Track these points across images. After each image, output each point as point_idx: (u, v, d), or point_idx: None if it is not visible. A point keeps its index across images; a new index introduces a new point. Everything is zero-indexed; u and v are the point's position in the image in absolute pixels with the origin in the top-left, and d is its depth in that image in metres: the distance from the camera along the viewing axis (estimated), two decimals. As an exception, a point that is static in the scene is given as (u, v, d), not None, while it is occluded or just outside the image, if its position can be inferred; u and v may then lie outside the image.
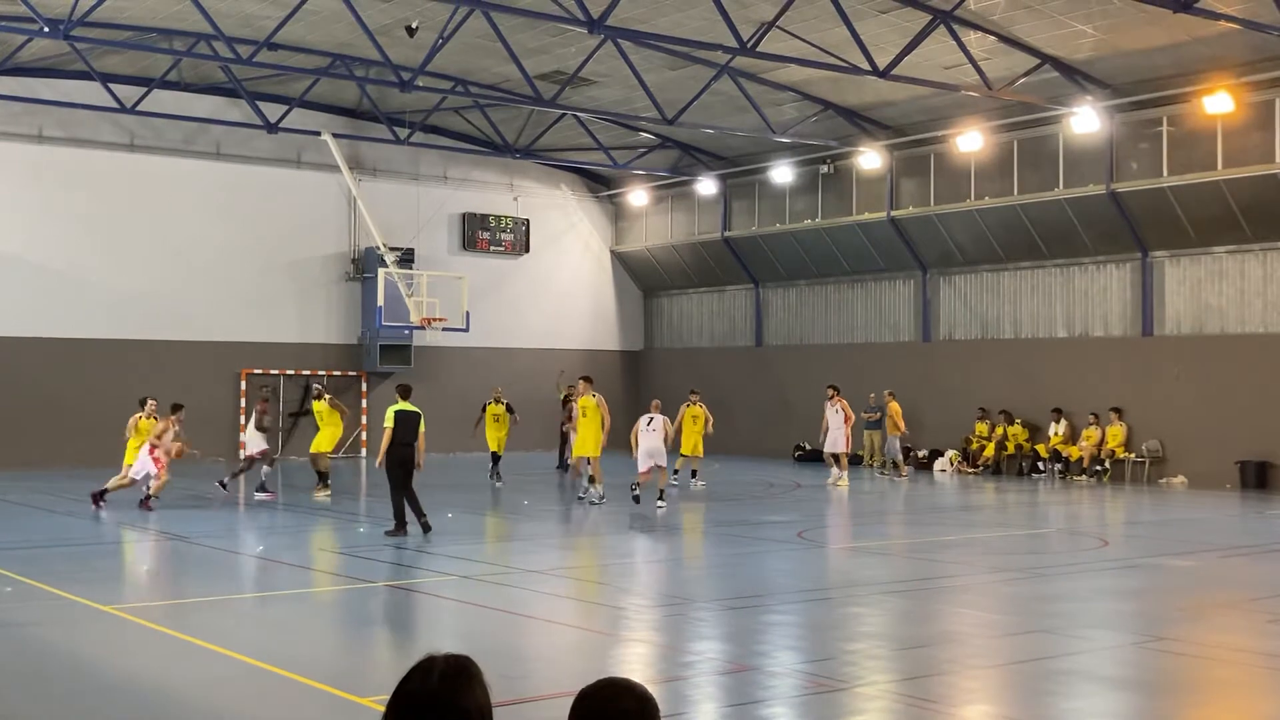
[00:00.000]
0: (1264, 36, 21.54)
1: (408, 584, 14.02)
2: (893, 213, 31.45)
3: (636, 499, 21.36)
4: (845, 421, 25.88)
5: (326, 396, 23.79)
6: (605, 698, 3.01)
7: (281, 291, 33.20)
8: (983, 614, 12.43)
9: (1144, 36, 23.70)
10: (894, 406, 28.52)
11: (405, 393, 17.72)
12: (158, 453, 20.76)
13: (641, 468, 21.48)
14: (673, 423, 23.18)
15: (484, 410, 26.98)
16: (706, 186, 35.26)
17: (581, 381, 22.52)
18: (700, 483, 25.09)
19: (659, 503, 21.21)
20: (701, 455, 25.38)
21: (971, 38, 24.08)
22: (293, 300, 33.41)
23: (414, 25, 25.17)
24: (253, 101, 29.37)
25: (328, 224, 34.00)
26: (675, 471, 24.54)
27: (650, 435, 21.59)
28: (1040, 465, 28.65)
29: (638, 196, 37.68)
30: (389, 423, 17.07)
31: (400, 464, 16.92)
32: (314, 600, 13.27)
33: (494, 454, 26.36)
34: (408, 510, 16.96)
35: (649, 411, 22.37)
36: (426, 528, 16.91)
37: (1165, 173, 26.22)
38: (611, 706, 3.00)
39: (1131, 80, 25.81)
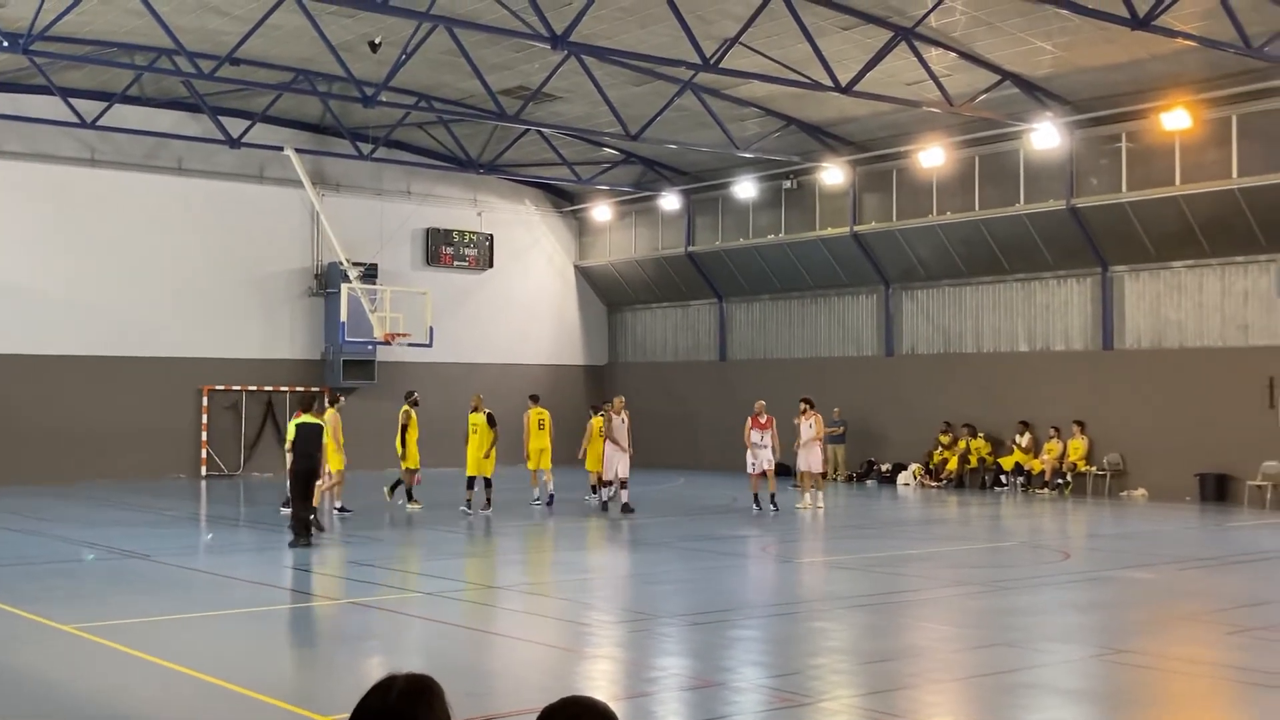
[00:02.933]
0: (1220, 54, 21.82)
1: (371, 601, 13.94)
2: (855, 228, 31.61)
3: (605, 506, 22.48)
4: (816, 438, 24.79)
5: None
6: (568, 716, 3.00)
7: (244, 307, 33.02)
8: (946, 628, 12.49)
9: (1103, 54, 23.95)
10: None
11: (307, 405, 18.10)
12: None
13: (608, 475, 22.99)
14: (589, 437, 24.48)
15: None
16: (670, 201, 35.35)
17: (474, 397, 23.52)
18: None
19: (623, 513, 21.98)
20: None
21: (933, 54, 24.27)
22: (255, 316, 33.23)
23: (377, 41, 25.14)
24: (215, 116, 29.24)
25: (290, 239, 33.86)
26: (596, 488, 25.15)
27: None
28: (1002, 478, 28.83)
29: (601, 211, 37.73)
30: (290, 435, 17.52)
31: (302, 476, 17.31)
32: (276, 618, 13.18)
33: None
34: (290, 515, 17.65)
35: (615, 413, 23.04)
36: (298, 543, 17.08)
37: (1124, 188, 26.49)
38: None
39: (1091, 97, 26.07)
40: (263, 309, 33.39)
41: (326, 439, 18.40)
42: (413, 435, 23.02)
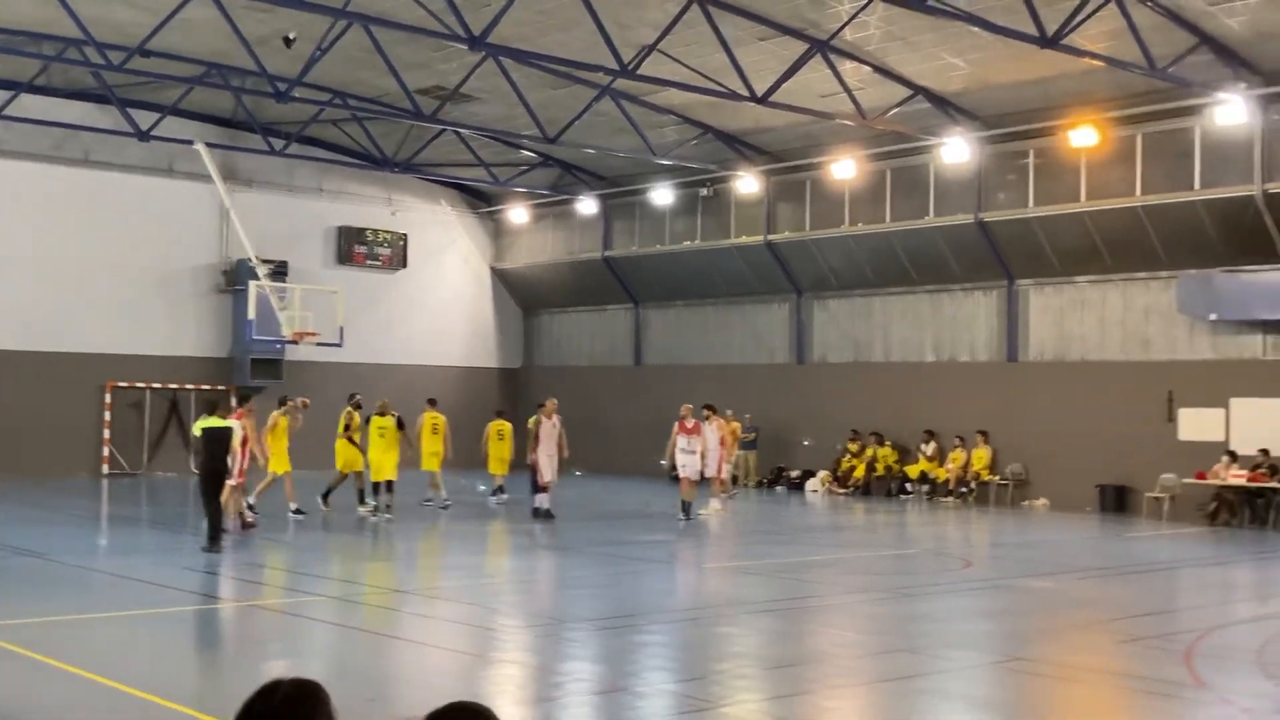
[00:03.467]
0: (1127, 74, 22.32)
1: (274, 604, 13.78)
2: (769, 237, 31.87)
3: (539, 513, 22.09)
4: (720, 444, 25.14)
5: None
6: None
7: (150, 303, 32.46)
8: (849, 634, 12.64)
9: (1012, 71, 24.40)
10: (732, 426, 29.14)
11: (212, 407, 17.83)
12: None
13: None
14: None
15: (366, 424, 22.75)
16: (587, 206, 35.37)
17: (381, 401, 22.87)
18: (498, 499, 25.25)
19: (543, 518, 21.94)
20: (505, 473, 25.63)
21: (847, 67, 24.56)
22: (162, 312, 32.68)
23: (292, 36, 24.85)
24: (124, 109, 28.70)
25: (199, 235, 33.36)
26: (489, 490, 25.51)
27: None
28: (908, 487, 29.22)
29: (518, 214, 37.64)
30: (197, 436, 17.39)
31: (209, 478, 17.13)
32: (176, 620, 12.97)
33: (376, 483, 22.10)
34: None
35: (547, 417, 22.67)
36: (217, 542, 16.86)
37: (1031, 204, 27.00)
38: None
39: (1000, 113, 26.54)
40: (169, 305, 32.85)
41: (235, 442, 18.04)
42: (356, 438, 22.52)
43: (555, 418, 22.83)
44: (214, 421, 17.34)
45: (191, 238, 33.19)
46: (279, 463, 21.23)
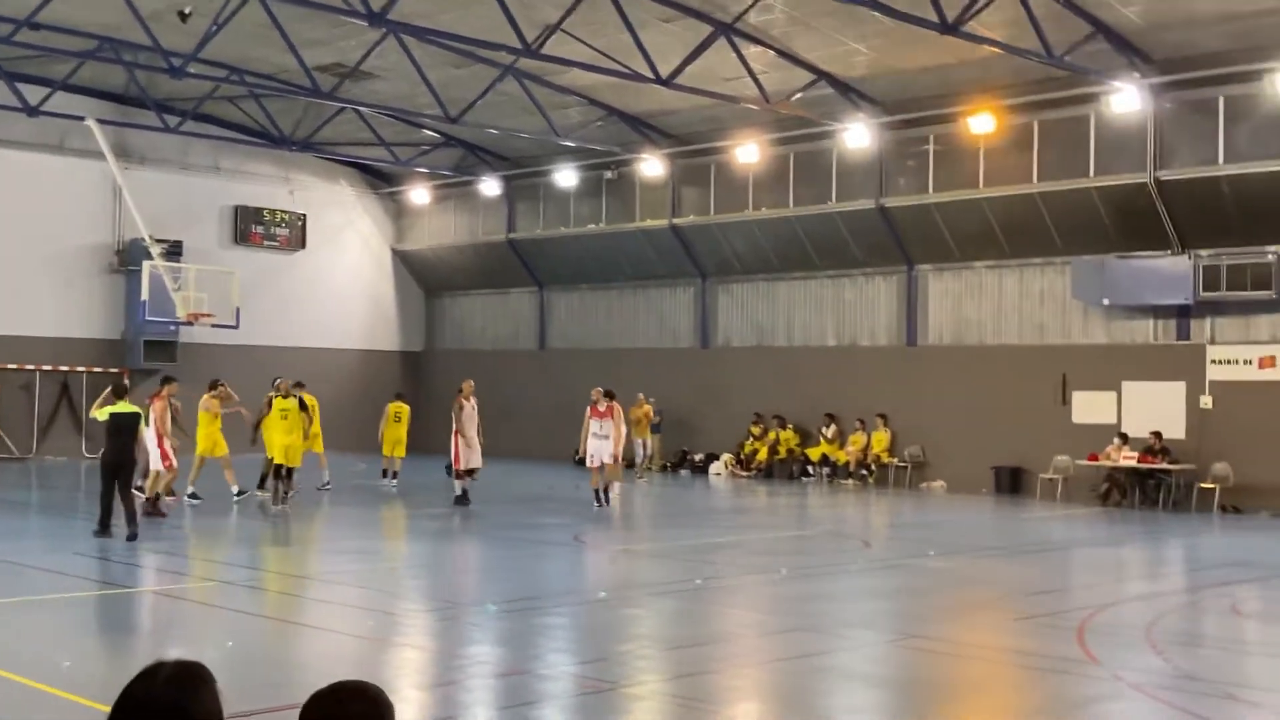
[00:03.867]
0: (1025, 62, 22.68)
1: (170, 589, 13.50)
2: (674, 220, 31.91)
3: (465, 498, 21.62)
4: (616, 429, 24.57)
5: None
6: (335, 701, 2.93)
7: (38, 283, 31.58)
8: (750, 614, 12.71)
9: (913, 57, 24.65)
10: (646, 410, 29.37)
11: (120, 391, 17.08)
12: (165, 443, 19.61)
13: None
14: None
15: (268, 406, 21.60)
16: (490, 187, 35.11)
17: (284, 381, 21.96)
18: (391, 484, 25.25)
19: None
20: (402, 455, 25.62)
21: (751, 51, 24.63)
22: (50, 293, 31.82)
23: (187, 10, 24.29)
24: (12, 83, 27.84)
25: (90, 213, 32.52)
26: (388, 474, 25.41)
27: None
28: (810, 469, 29.49)
29: (420, 195, 37.25)
30: (103, 421, 16.64)
31: (115, 465, 16.45)
32: (67, 607, 12.64)
33: (280, 466, 21.00)
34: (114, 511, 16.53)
35: (466, 399, 22.06)
36: (133, 536, 16.08)
37: (931, 189, 27.35)
38: (340, 710, 2.91)
39: (901, 99, 26.82)
40: (60, 286, 31.98)
41: (142, 428, 17.28)
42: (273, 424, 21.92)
43: (473, 400, 22.18)
44: (121, 406, 16.67)
45: (82, 216, 32.35)
46: (212, 447, 20.98)
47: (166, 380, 20.53)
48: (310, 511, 21.06)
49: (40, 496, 23.87)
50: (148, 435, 19.66)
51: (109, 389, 17.20)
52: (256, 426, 21.57)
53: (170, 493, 20.44)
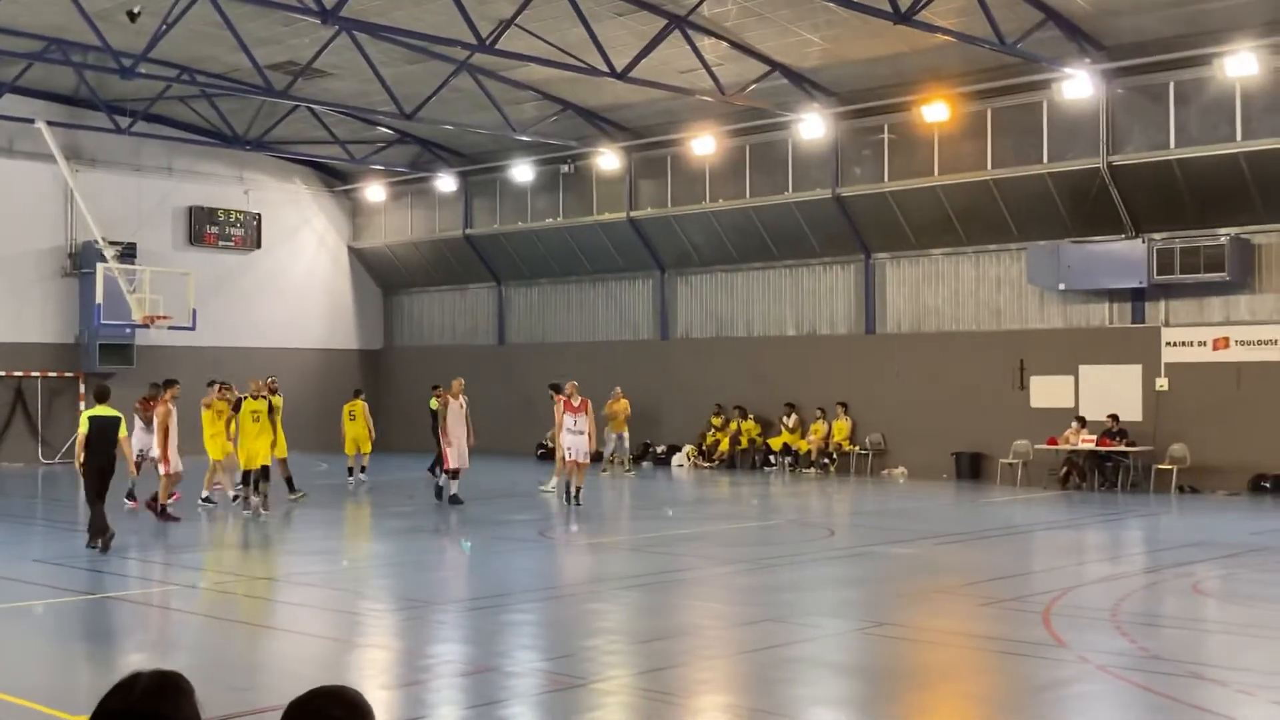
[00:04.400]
0: (977, 50, 22.80)
1: (133, 595, 13.37)
2: (631, 213, 31.90)
3: (446, 497, 21.42)
4: (557, 424, 23.00)
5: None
6: (313, 708, 2.92)
7: (-10, 288, 31.20)
8: (716, 605, 12.73)
9: (867, 47, 24.73)
10: (624, 404, 29.46)
11: (102, 395, 16.55)
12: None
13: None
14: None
15: (236, 407, 20.62)
16: (447, 183, 34.97)
17: (263, 381, 21.22)
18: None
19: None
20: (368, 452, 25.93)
21: (705, 43, 24.64)
22: (3, 298, 31.46)
23: (136, 10, 24.02)
24: (-43, 85, 27.49)
25: (41, 216, 32.14)
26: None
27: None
28: (771, 459, 29.57)
29: (376, 192, 37.04)
30: (84, 428, 15.99)
31: (99, 472, 15.90)
32: (29, 615, 12.48)
33: (250, 471, 20.14)
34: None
35: (454, 397, 21.73)
36: (106, 545, 15.65)
37: (886, 178, 27.46)
38: (320, 716, 2.90)
39: (855, 89, 26.91)
40: (11, 290, 31.60)
41: (122, 434, 16.61)
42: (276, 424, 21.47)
43: (462, 398, 21.76)
44: (102, 411, 16.10)
45: (33, 220, 31.96)
46: (217, 448, 20.67)
47: (169, 383, 19.93)
48: (275, 513, 20.89)
49: (-4, 504, 23.57)
50: (135, 440, 19.69)
51: (93, 393, 16.65)
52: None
53: (131, 496, 20.19)
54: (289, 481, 22.00)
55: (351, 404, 26.03)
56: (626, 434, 29.72)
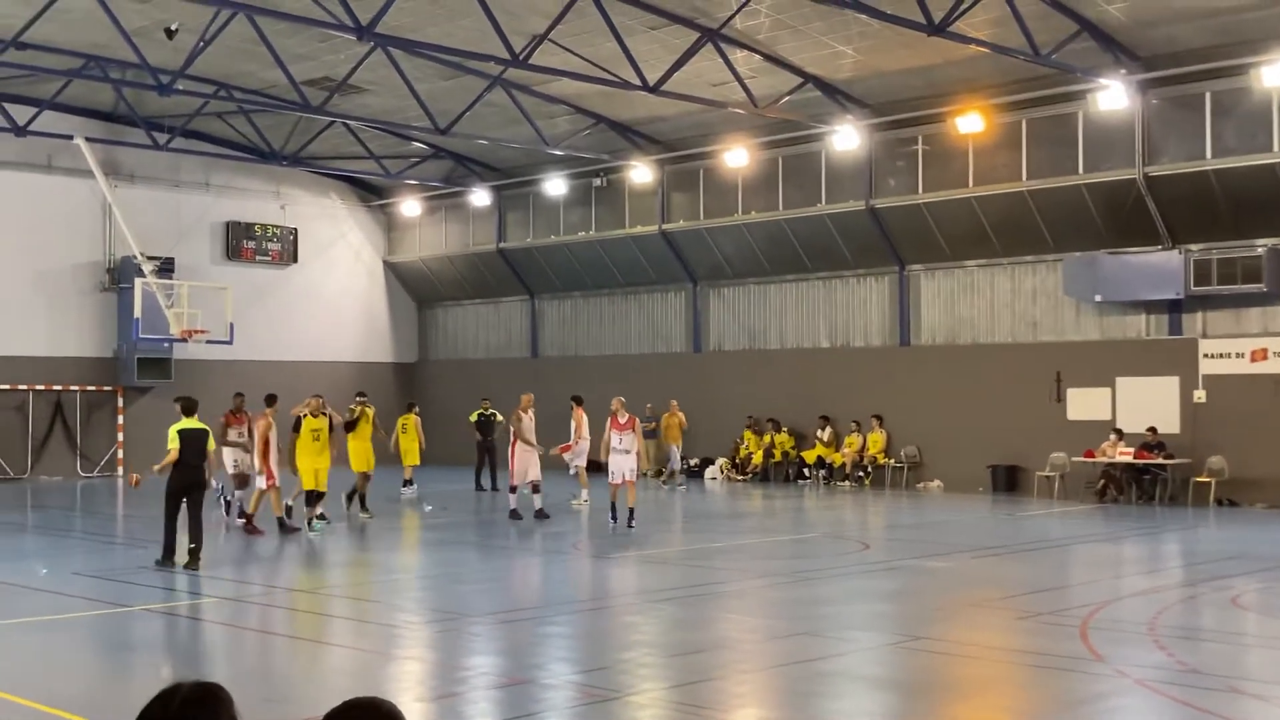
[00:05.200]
0: (1012, 60, 22.72)
1: (171, 608, 13.47)
2: (664, 226, 31.93)
3: (517, 515, 21.00)
4: (576, 436, 23.37)
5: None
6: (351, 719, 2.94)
7: (31, 303, 31.53)
8: (751, 619, 12.70)
9: (900, 58, 24.69)
10: (680, 417, 29.31)
11: (190, 408, 15.92)
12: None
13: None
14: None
15: (296, 426, 19.93)
16: (480, 197, 35.13)
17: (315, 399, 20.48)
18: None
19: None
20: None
21: (738, 56, 24.66)
22: (42, 312, 31.76)
23: (174, 27, 24.27)
24: (-1, 103, 27.83)
25: (80, 232, 32.48)
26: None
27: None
28: (805, 472, 29.50)
29: (410, 207, 37.24)
30: (173, 443, 15.39)
31: (187, 487, 15.42)
32: (68, 627, 12.60)
33: (311, 492, 19.52)
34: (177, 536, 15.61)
35: (524, 411, 21.36)
36: (195, 558, 15.39)
37: (920, 190, 27.38)
38: None
39: (889, 100, 26.86)
40: (50, 305, 31.94)
41: (212, 445, 16.12)
42: (365, 434, 21.91)
43: (531, 413, 21.42)
44: (191, 424, 15.61)
45: (73, 235, 32.31)
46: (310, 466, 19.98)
47: (270, 398, 19.94)
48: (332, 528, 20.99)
49: (36, 517, 23.79)
50: (226, 454, 19.63)
51: (180, 406, 16.06)
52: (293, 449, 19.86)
53: (241, 514, 19.72)
54: (362, 498, 21.68)
55: (405, 417, 26.18)
56: (678, 448, 29.56)
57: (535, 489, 21.06)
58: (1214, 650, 11.21)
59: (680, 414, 29.46)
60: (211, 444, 15.92)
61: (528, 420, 21.39)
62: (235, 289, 32.76)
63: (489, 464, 27.47)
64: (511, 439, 21.42)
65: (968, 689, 9.84)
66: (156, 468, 15.81)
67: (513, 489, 21.38)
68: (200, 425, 15.82)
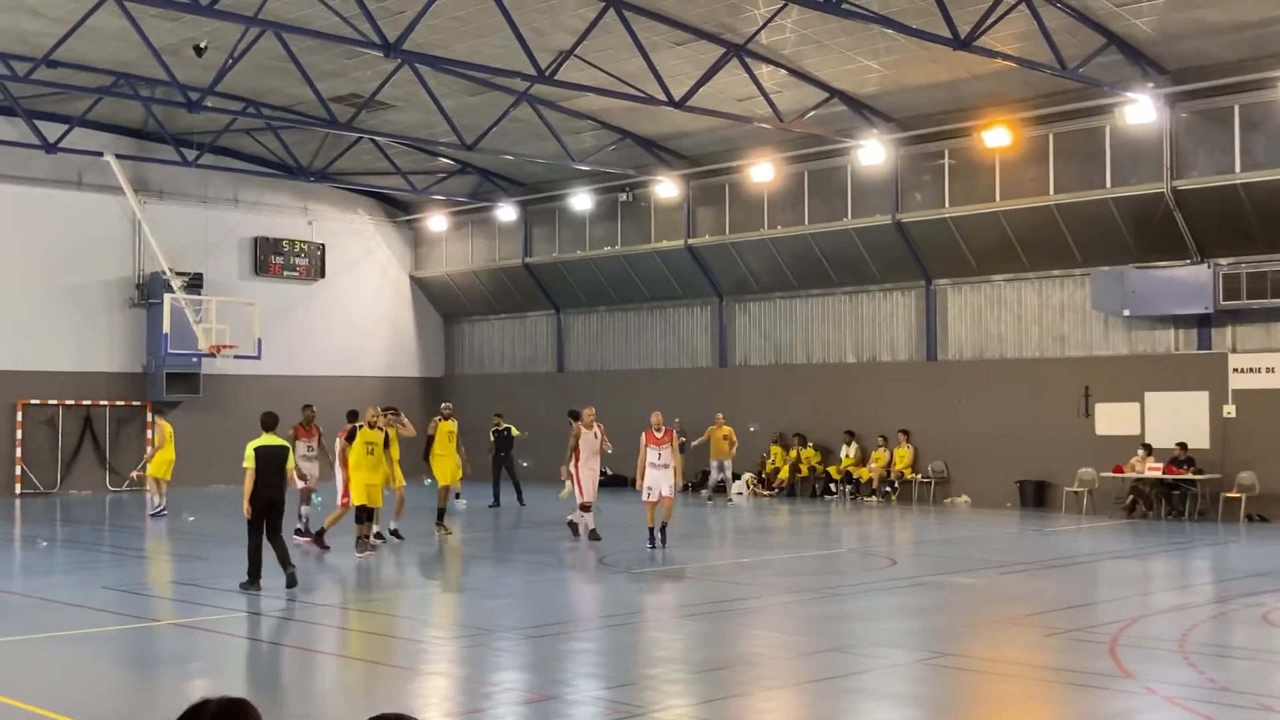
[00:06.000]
0: (1038, 75, 22.67)
1: (195, 621, 13.52)
2: (690, 241, 31.95)
3: (580, 532, 20.17)
4: (574, 458, 20.58)
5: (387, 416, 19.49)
6: None
7: (60, 318, 31.78)
8: (778, 635, 12.66)
9: (926, 73, 24.66)
10: (727, 430, 29.17)
11: (270, 423, 15.22)
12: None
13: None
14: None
15: (349, 439, 18.97)
16: (507, 212, 35.24)
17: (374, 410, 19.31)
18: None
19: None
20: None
21: (764, 71, 24.69)
22: (72, 327, 32.01)
23: (202, 45, 24.48)
24: (30, 120, 28.06)
25: (110, 248, 32.72)
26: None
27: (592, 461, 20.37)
28: (832, 487, 29.41)
29: (437, 222, 37.38)
30: (250, 462, 14.71)
31: (267, 506, 14.72)
32: (97, 641, 12.67)
33: (361, 508, 18.32)
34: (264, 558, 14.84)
35: (588, 427, 20.29)
36: (293, 580, 14.74)
37: (947, 204, 27.31)
38: None
39: (915, 115, 26.82)
40: (81, 320, 32.18)
41: (292, 462, 15.49)
42: (447, 449, 21.77)
43: (596, 427, 20.32)
44: (270, 440, 15.00)
45: (102, 251, 32.55)
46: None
47: (351, 415, 19.23)
48: (340, 540, 21.02)
49: (65, 531, 23.95)
50: (303, 468, 18.94)
51: (260, 421, 15.39)
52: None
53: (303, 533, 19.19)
54: (440, 513, 21.12)
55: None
56: (729, 463, 29.35)
57: (586, 509, 20.18)
58: (1245, 667, 11.11)
59: (727, 427, 29.27)
60: (291, 461, 15.31)
61: (590, 435, 20.20)
62: (263, 304, 32.99)
63: (509, 477, 27.43)
64: (573, 455, 20.16)
65: (996, 706, 9.78)
66: (245, 500, 14.78)
67: (585, 508, 20.17)
68: (280, 442, 15.24)
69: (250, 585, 14.74)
